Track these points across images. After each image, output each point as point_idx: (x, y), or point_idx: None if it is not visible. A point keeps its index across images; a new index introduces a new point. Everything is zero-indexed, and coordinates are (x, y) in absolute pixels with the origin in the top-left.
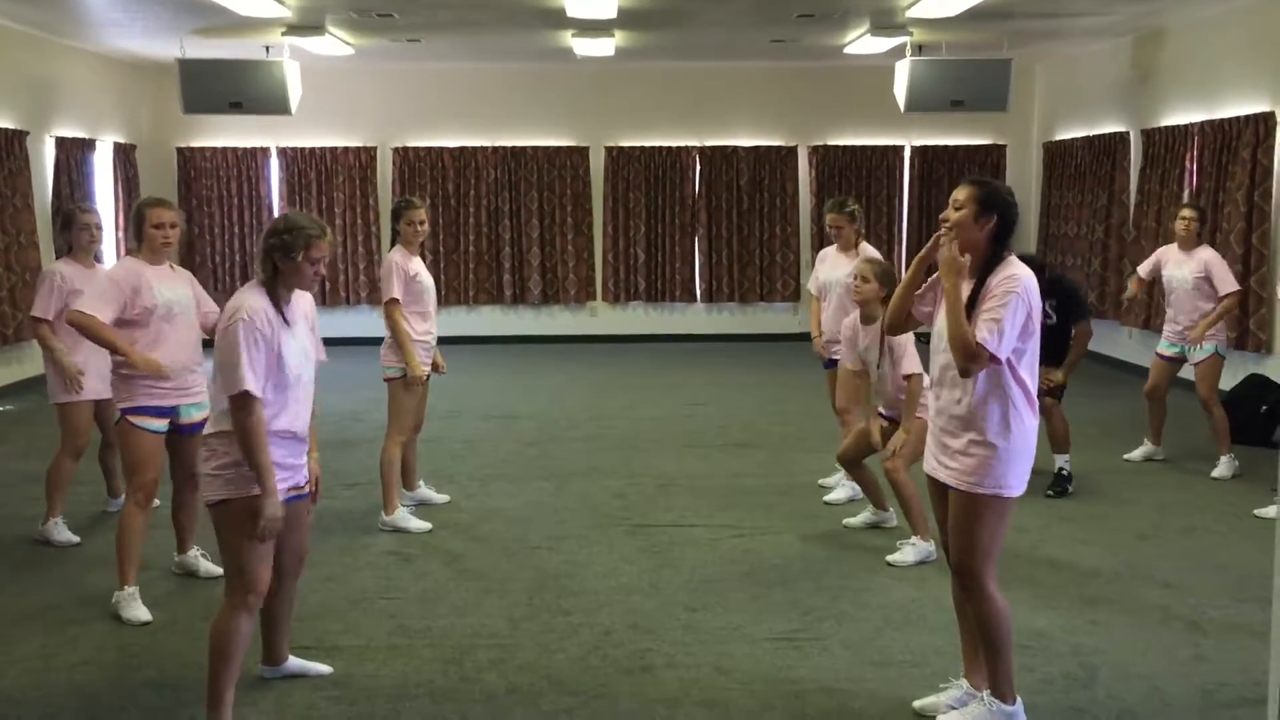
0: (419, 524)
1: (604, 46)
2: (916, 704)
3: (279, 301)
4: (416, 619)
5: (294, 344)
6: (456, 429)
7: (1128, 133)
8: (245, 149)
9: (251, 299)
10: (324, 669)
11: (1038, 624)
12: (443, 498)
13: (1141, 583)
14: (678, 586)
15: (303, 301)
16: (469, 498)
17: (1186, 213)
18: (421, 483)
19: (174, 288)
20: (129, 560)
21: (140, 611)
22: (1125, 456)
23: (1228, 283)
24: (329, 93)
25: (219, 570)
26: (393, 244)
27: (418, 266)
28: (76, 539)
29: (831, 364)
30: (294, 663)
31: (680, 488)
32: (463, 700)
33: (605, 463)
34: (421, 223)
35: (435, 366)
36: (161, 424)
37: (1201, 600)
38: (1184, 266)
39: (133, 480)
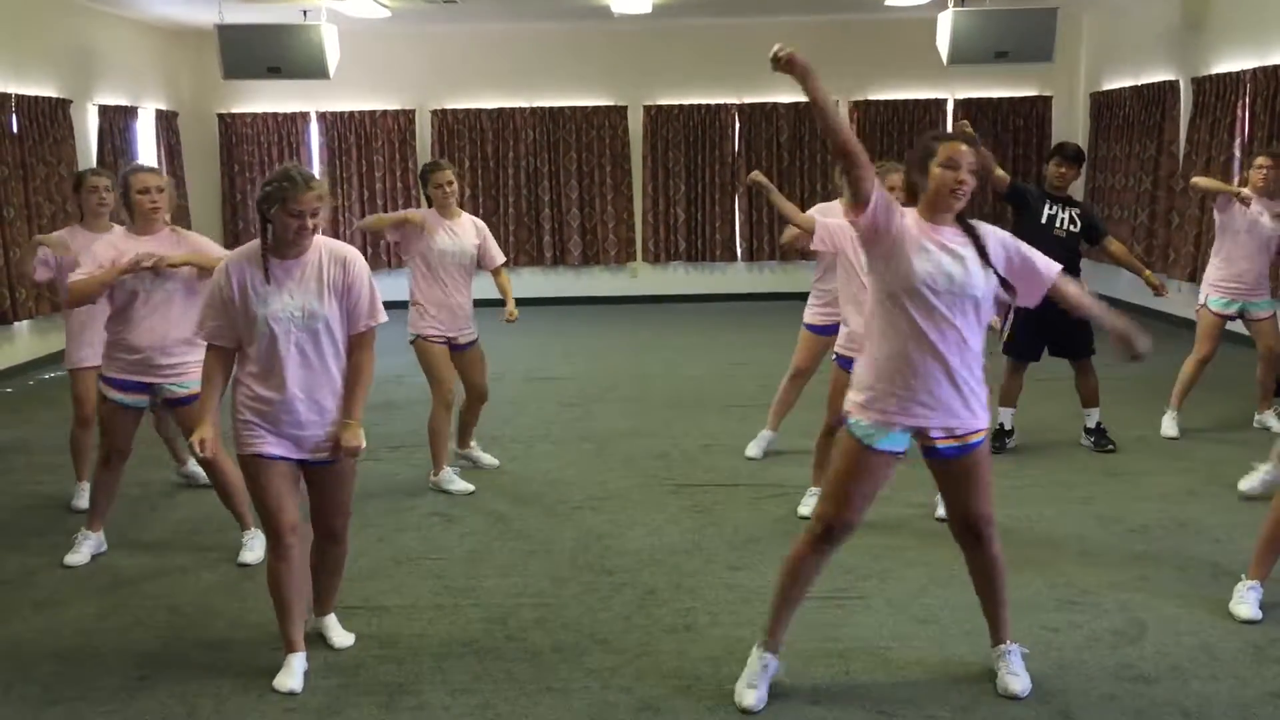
0: (462, 485)
1: (641, 4)
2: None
3: (267, 255)
4: (461, 579)
5: (278, 301)
6: (499, 391)
7: (1177, 81)
8: (285, 114)
9: (241, 250)
10: (344, 641)
11: (1085, 581)
12: (491, 461)
13: (1191, 538)
14: (721, 545)
15: (333, 262)
16: (512, 459)
17: (1262, 160)
18: (474, 444)
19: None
20: (95, 510)
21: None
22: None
23: None
24: (367, 56)
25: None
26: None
27: (443, 233)
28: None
29: (825, 330)
30: (325, 620)
31: (723, 447)
32: (508, 659)
33: (647, 423)
34: (450, 184)
35: (455, 343)
36: (128, 398)
37: (1251, 555)
38: (1262, 214)
39: (101, 441)
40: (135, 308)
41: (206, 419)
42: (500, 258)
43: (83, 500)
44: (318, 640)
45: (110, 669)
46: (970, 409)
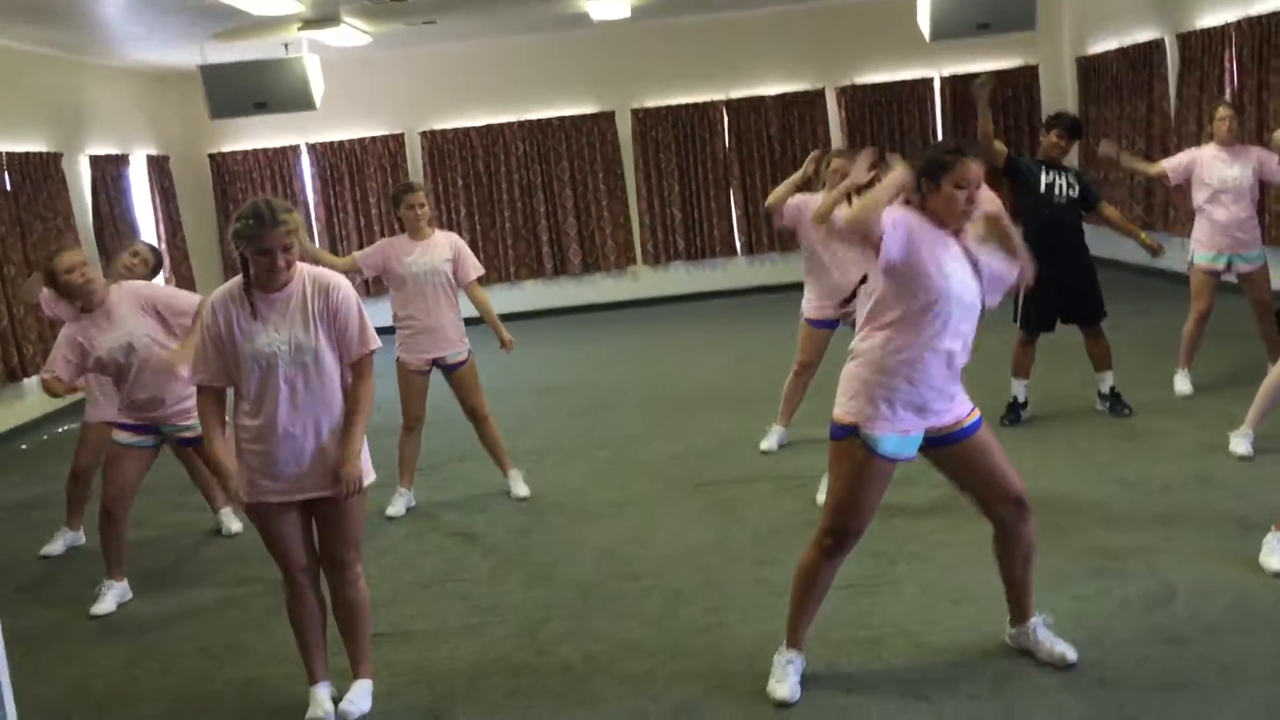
0: (397, 509)
1: (619, 7)
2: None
3: (250, 290)
4: (487, 597)
5: (264, 336)
6: (508, 405)
7: (1162, 39)
8: (275, 149)
9: (224, 288)
10: (362, 707)
11: (1112, 545)
12: (522, 492)
13: (1215, 493)
14: (745, 542)
15: (317, 292)
16: (528, 473)
17: (1223, 111)
18: (513, 470)
19: (111, 336)
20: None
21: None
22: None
23: None
24: (352, 84)
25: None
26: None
27: (416, 254)
28: (60, 549)
29: (822, 325)
30: (360, 683)
31: (738, 443)
32: (541, 673)
33: (660, 426)
34: (422, 205)
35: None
36: (135, 438)
37: (1278, 506)
38: (1234, 166)
39: (103, 491)
40: (126, 373)
41: (228, 468)
42: (475, 272)
43: (55, 547)
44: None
45: (145, 717)
46: (960, 399)
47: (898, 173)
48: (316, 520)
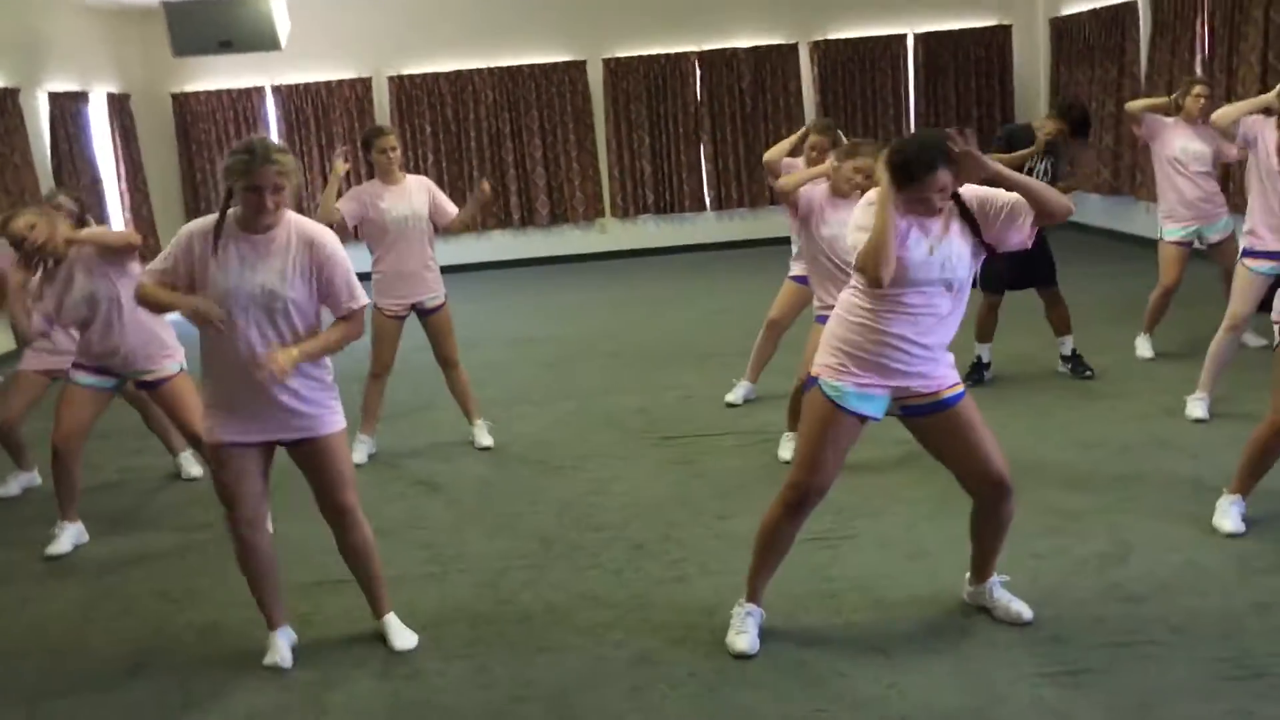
0: (359, 455)
1: None
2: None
3: (220, 227)
4: (449, 546)
5: (237, 276)
6: (476, 356)
7: (1135, 2)
8: (240, 89)
9: (203, 220)
10: (406, 643)
11: (1071, 505)
12: (485, 442)
13: (1172, 456)
14: (707, 496)
15: (301, 244)
16: (494, 423)
17: (1200, 89)
18: (480, 421)
19: (71, 293)
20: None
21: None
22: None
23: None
24: (319, 25)
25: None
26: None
27: (390, 199)
28: (15, 491)
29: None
30: (385, 621)
31: (703, 398)
32: (501, 622)
33: (626, 379)
34: (394, 149)
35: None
36: (95, 378)
37: (1233, 469)
38: (1198, 141)
39: (53, 430)
40: (90, 324)
41: (185, 300)
42: (453, 208)
43: (10, 489)
44: (311, 621)
45: (103, 659)
46: (940, 370)
47: (884, 189)
48: (306, 470)
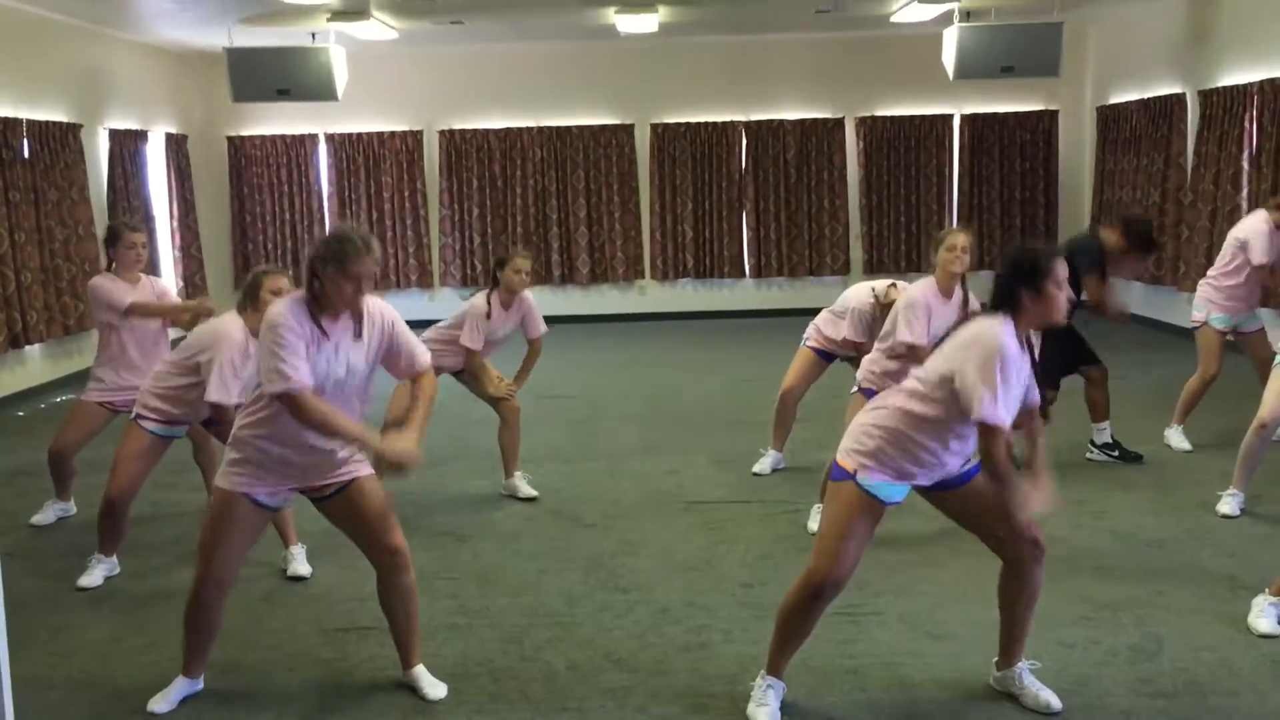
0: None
1: (647, 22)
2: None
3: (316, 314)
4: (475, 599)
5: (325, 356)
6: None
7: (1184, 94)
8: (294, 136)
9: (290, 301)
10: (437, 694)
11: (1102, 596)
12: (529, 491)
13: (1208, 552)
14: (733, 563)
15: (376, 320)
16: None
17: None
18: (519, 474)
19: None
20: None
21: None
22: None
23: None
24: (375, 78)
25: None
26: (493, 288)
27: (502, 323)
28: (50, 519)
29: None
30: (414, 672)
31: (734, 464)
32: (523, 678)
33: (658, 441)
34: (523, 272)
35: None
36: (164, 428)
37: (1269, 568)
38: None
39: (109, 483)
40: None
41: (357, 432)
42: (541, 328)
43: (46, 516)
44: (330, 664)
45: (124, 693)
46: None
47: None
48: (351, 518)
